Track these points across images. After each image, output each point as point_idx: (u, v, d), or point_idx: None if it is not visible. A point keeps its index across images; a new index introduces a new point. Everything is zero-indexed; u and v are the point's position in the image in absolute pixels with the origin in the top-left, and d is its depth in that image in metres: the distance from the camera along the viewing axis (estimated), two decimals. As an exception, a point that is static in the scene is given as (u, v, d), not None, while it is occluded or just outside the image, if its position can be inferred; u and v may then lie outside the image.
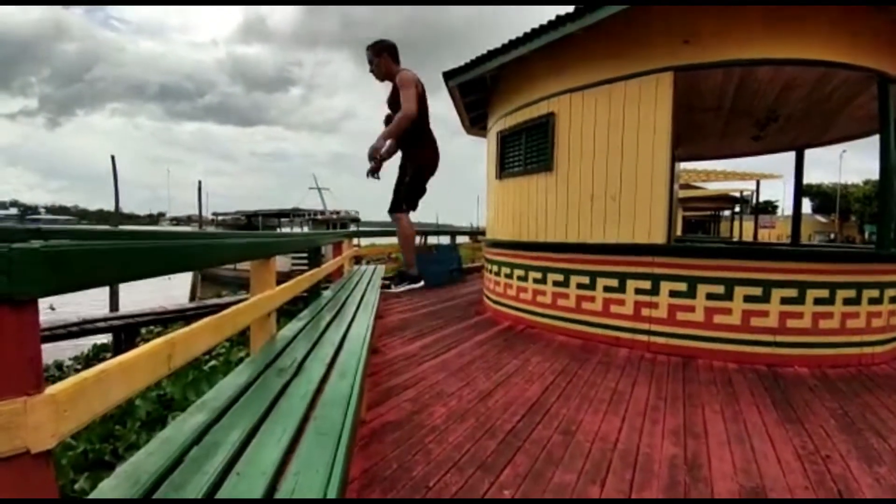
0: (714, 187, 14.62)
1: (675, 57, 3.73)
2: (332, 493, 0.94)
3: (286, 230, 16.69)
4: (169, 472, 1.01)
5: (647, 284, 3.96)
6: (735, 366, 3.45)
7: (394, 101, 2.72)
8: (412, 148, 2.78)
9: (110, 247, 0.93)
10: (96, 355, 7.33)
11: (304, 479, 0.99)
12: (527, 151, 4.90)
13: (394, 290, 2.79)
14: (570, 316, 4.40)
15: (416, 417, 2.48)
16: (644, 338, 3.95)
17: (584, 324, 4.29)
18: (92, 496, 0.92)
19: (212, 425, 1.25)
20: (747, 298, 3.51)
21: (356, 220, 18.13)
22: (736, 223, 17.17)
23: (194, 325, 1.40)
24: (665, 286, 3.87)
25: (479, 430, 2.32)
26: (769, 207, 46.56)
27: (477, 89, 5.68)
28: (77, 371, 6.45)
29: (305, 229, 16.38)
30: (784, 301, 3.47)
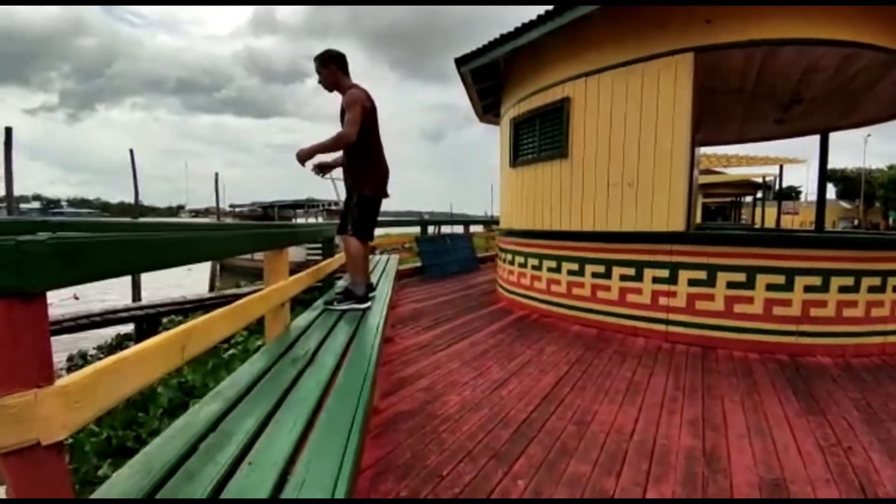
0: (736, 173, 14.20)
1: (695, 37, 3.59)
2: (342, 482, 0.94)
3: (301, 220, 16.83)
4: (182, 461, 1.02)
5: (664, 273, 3.87)
6: (756, 356, 3.36)
7: (343, 119, 2.59)
8: (354, 174, 2.58)
9: (119, 238, 0.92)
10: (119, 344, 7.53)
11: (315, 468, 0.99)
12: (541, 138, 4.81)
13: (336, 307, 2.65)
14: (585, 305, 4.34)
15: (429, 407, 2.48)
16: (662, 327, 3.88)
17: (600, 313, 4.24)
18: (107, 485, 0.93)
19: (226, 414, 1.26)
20: (770, 287, 3.41)
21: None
22: (758, 209, 16.67)
23: (209, 316, 1.41)
24: (684, 274, 3.79)
25: (492, 420, 2.31)
26: (792, 193, 45.07)
27: (490, 75, 5.58)
28: (100, 359, 6.66)
29: (320, 219, 16.49)
30: (807, 289, 3.36)
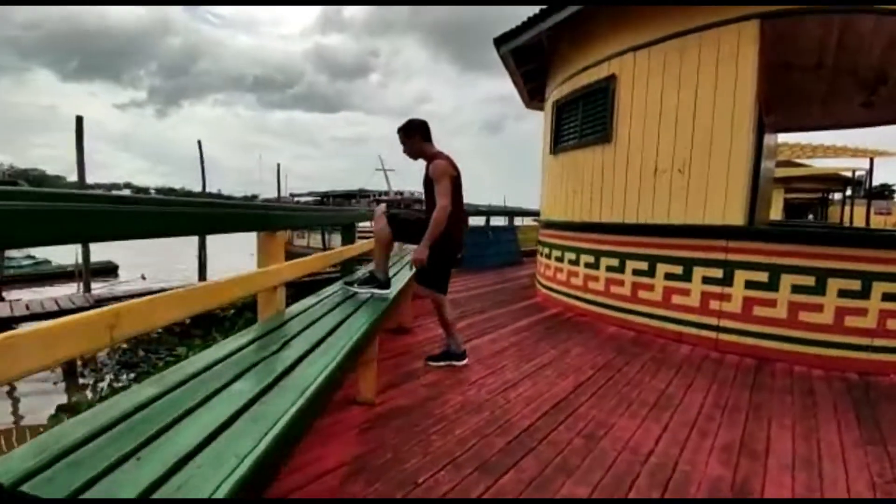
0: (822, 165, 12.55)
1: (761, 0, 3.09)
2: (223, 490, 0.81)
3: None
4: (78, 447, 0.93)
5: (717, 273, 3.42)
6: (821, 372, 2.87)
7: (428, 185, 2.72)
8: (440, 239, 2.65)
9: (26, 208, 0.84)
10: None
11: (200, 474, 0.86)
12: (583, 121, 4.44)
13: (356, 289, 2.64)
14: (623, 305, 3.97)
15: (428, 404, 2.32)
16: (711, 334, 3.44)
17: (641, 314, 3.84)
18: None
19: (154, 401, 1.16)
20: (842, 293, 2.88)
21: (420, 201, 18.24)
22: (847, 208, 14.62)
23: (153, 297, 1.33)
24: (740, 275, 3.32)
25: (490, 425, 2.10)
26: (885, 191, 38.78)
27: (533, 56, 5.24)
28: (158, 334, 7.08)
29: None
30: (886, 297, 2.79)
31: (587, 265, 4.33)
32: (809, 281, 3.01)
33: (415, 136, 2.72)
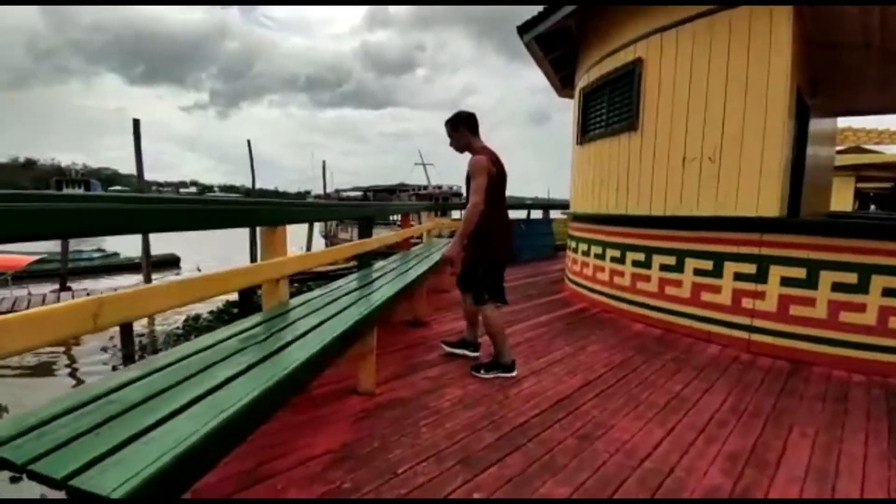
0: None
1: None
2: (135, 481, 0.82)
3: (395, 202, 17.59)
4: (48, 422, 1.03)
5: (751, 268, 3.19)
6: (861, 377, 2.60)
7: (469, 181, 2.62)
8: (478, 241, 2.60)
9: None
10: (226, 309, 8.57)
11: (135, 455, 0.92)
12: (609, 109, 4.25)
13: (483, 375, 2.61)
14: (650, 302, 3.79)
15: (425, 397, 2.34)
16: (744, 334, 3.22)
17: (667, 312, 3.65)
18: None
19: (132, 383, 1.26)
20: (888, 292, 2.59)
21: (458, 195, 18.36)
22: None
23: (142, 287, 1.44)
24: (775, 271, 3.08)
25: (483, 420, 2.09)
26: None
27: (560, 43, 5.08)
28: (209, 322, 7.54)
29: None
30: None
31: (613, 259, 4.17)
32: (851, 278, 2.73)
33: (461, 129, 2.65)
